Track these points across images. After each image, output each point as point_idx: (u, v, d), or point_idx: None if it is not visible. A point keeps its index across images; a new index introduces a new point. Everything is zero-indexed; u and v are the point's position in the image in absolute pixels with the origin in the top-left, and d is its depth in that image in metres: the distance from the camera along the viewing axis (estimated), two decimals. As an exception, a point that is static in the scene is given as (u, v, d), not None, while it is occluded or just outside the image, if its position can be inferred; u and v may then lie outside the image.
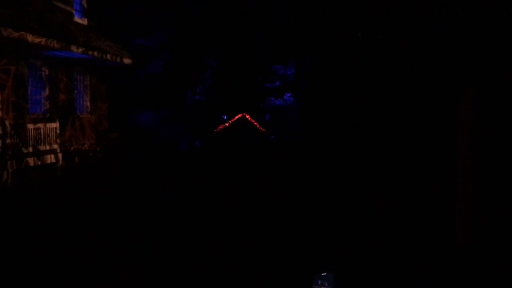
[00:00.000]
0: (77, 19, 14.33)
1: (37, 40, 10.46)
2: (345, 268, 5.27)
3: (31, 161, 11.89)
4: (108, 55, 13.62)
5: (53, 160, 12.96)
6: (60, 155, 13.30)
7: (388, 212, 7.90)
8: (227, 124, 26.86)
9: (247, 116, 27.14)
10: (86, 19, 14.79)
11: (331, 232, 6.86)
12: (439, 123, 7.00)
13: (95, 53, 12.95)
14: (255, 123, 26.41)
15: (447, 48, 6.66)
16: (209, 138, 23.20)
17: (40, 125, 12.48)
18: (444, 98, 6.77)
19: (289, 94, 27.19)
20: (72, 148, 14.10)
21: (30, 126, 12.04)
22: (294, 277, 5.11)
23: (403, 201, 8.16)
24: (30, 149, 11.95)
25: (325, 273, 4.26)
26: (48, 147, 12.72)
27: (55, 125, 13.19)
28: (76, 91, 14.56)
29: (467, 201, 5.91)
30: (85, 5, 14.90)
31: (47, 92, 12.97)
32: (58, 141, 13.33)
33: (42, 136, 12.48)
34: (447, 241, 6.17)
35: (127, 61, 14.87)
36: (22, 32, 10.01)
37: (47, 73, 13.00)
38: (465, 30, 6.16)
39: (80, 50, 12.14)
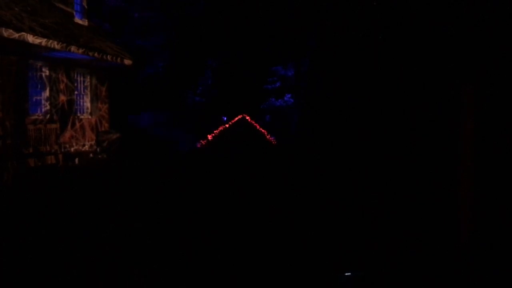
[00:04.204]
0: (77, 20, 14.35)
1: (37, 40, 10.47)
2: (345, 268, 5.26)
3: (31, 162, 11.90)
4: (108, 55, 13.63)
5: (54, 161, 12.97)
6: (60, 156, 13.31)
7: (388, 212, 7.89)
8: (227, 125, 26.84)
9: (247, 117, 27.16)
10: (86, 20, 14.81)
11: (332, 232, 6.85)
12: (439, 122, 6.99)
13: (96, 54, 12.97)
14: (255, 124, 26.40)
15: (446, 46, 6.66)
16: (209, 139, 23.20)
17: (40, 126, 12.49)
18: (444, 97, 6.76)
19: (289, 95, 27.20)
20: (72, 149, 14.10)
21: (31, 127, 12.06)
22: (304, 277, 5.10)
23: (404, 201, 8.15)
24: (31, 150, 11.97)
25: (349, 273, 4.27)
26: (48, 148, 12.74)
27: (55, 126, 13.20)
28: (76, 92, 14.57)
29: (468, 201, 5.90)
30: (86, 6, 14.92)
31: (47, 93, 12.98)
32: (58, 142, 13.34)
33: (42, 137, 12.49)
34: (448, 241, 6.16)
35: (127, 62, 14.88)
36: (23, 33, 10.02)
37: (47, 74, 13.01)
38: (464, 27, 6.16)
39: (80, 50, 12.16)
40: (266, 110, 29.95)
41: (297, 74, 24.17)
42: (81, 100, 14.96)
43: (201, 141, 21.64)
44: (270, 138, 24.21)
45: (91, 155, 15.11)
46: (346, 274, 4.32)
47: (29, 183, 11.21)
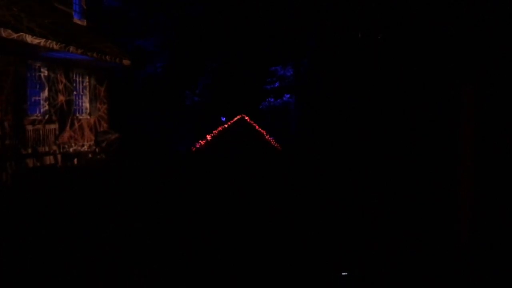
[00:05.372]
0: (76, 20, 14.32)
1: (36, 41, 10.45)
2: (345, 268, 5.26)
3: (30, 162, 11.87)
4: (107, 56, 13.61)
5: (52, 162, 12.94)
6: (59, 156, 13.29)
7: (388, 212, 7.89)
8: (226, 126, 26.79)
9: (246, 118, 27.12)
10: (85, 20, 14.78)
11: (332, 232, 6.84)
12: (439, 122, 6.99)
13: (94, 54, 12.94)
14: (254, 124, 26.36)
15: (446, 46, 6.66)
16: (208, 139, 23.18)
17: (39, 126, 12.46)
18: (444, 97, 6.76)
19: (288, 95, 27.18)
20: (71, 149, 14.08)
21: (29, 127, 12.03)
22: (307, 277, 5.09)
23: (404, 201, 8.15)
24: (29, 151, 11.94)
25: (349, 274, 4.28)
26: (47, 149, 12.71)
27: (54, 126, 13.17)
28: (75, 92, 14.55)
29: (468, 200, 5.89)
30: (84, 6, 14.89)
31: (46, 93, 12.95)
32: (57, 142, 13.32)
33: (41, 138, 12.46)
34: (448, 241, 6.15)
35: (126, 62, 14.86)
36: (22, 33, 10.00)
37: (46, 74, 12.98)
38: (464, 27, 6.16)
39: (79, 51, 12.13)
40: (265, 110, 29.94)
41: (296, 74, 24.16)
42: (80, 101, 14.94)
43: (200, 141, 21.62)
44: (269, 138, 24.20)
45: (90, 155, 15.08)
46: (346, 274, 4.33)
47: (28, 184, 11.18)
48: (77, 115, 14.65)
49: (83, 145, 14.76)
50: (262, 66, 27.21)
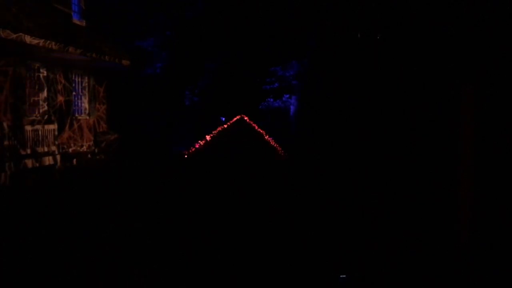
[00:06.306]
0: (75, 20, 14.30)
1: (35, 41, 10.43)
2: (345, 269, 5.25)
3: (29, 162, 11.85)
4: (106, 56, 13.59)
5: (51, 162, 12.93)
6: (58, 157, 13.27)
7: (388, 212, 7.88)
8: (225, 126, 26.75)
9: (246, 118, 27.07)
10: (84, 21, 14.77)
11: (332, 232, 6.83)
12: (439, 122, 6.99)
13: (93, 54, 12.93)
14: (253, 124, 26.33)
15: (446, 46, 6.66)
16: (208, 139, 23.16)
17: (38, 126, 12.44)
18: (444, 97, 6.76)
19: (287, 96, 27.17)
20: (70, 150, 14.06)
21: (28, 128, 12.00)
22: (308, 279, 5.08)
23: (404, 202, 8.15)
24: (28, 151, 11.91)
25: (345, 275, 4.28)
26: (46, 149, 12.69)
27: (53, 127, 13.15)
28: (74, 93, 14.53)
29: (468, 200, 5.89)
30: (83, 7, 14.88)
31: (45, 93, 12.93)
32: (56, 143, 13.30)
33: (40, 138, 12.44)
34: (448, 241, 6.15)
35: (125, 62, 14.85)
36: (20, 34, 9.98)
37: (45, 74, 12.96)
38: (464, 27, 6.15)
39: (78, 51, 12.12)
40: (264, 110, 29.97)
41: (297, 74, 24.15)
42: (79, 101, 14.92)
43: (199, 141, 21.60)
44: (269, 139, 24.18)
45: (89, 155, 15.07)
46: (346, 275, 4.33)
47: (27, 184, 11.16)
48: (76, 115, 14.63)
49: (82, 146, 14.74)
50: (262, 66, 27.17)
